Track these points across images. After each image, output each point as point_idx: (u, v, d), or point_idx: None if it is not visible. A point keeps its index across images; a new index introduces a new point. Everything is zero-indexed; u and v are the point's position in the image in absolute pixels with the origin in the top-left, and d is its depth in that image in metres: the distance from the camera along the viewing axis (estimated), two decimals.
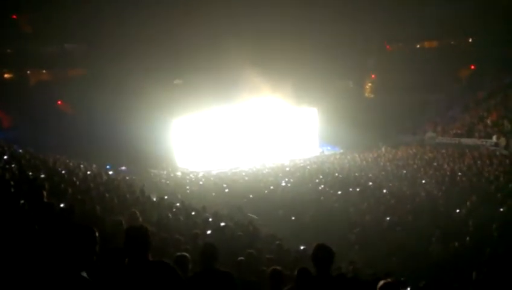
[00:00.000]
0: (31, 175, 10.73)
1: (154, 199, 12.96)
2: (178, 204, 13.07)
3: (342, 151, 34.99)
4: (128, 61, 35.66)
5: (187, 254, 4.78)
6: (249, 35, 38.18)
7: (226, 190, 20.12)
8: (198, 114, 33.61)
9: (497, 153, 25.01)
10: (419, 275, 8.79)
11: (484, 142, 28.10)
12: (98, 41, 39.19)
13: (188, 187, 22.01)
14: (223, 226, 9.78)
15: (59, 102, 39.28)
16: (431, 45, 48.04)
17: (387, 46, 49.39)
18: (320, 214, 14.63)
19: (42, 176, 11.37)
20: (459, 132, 31.28)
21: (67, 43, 45.42)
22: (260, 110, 36.04)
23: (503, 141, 27.04)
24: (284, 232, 11.99)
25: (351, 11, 41.76)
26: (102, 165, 24.87)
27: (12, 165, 12.00)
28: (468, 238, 10.32)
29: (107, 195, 11.13)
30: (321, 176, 21.64)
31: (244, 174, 25.40)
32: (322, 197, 17.13)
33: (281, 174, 23.59)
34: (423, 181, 18.47)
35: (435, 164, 22.76)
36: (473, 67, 40.97)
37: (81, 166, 19.54)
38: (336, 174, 22.13)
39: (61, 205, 7.15)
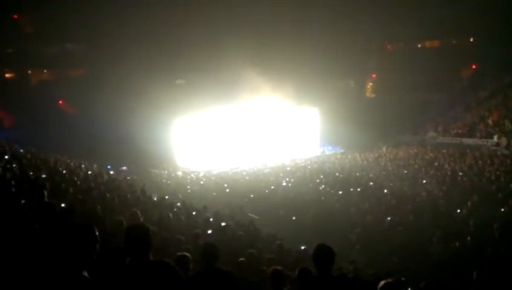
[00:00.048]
0: (32, 175, 10.74)
1: (155, 199, 12.96)
2: (179, 204, 13.07)
3: (342, 151, 34.97)
4: (130, 61, 35.66)
5: (188, 254, 4.78)
6: (250, 35, 38.16)
7: (227, 190, 20.13)
8: (199, 114, 33.62)
9: (498, 153, 25.00)
10: (420, 275, 8.80)
11: (485, 142, 28.08)
12: (99, 41, 39.18)
13: (189, 187, 22.02)
14: (224, 226, 9.78)
15: (60, 102, 39.32)
16: (432, 44, 48.00)
17: (388, 46, 49.35)
18: (321, 214, 14.63)
19: (43, 175, 11.37)
20: (460, 131, 31.27)
21: (69, 43, 45.43)
22: (261, 110, 36.04)
23: (504, 141, 27.01)
24: (285, 232, 11.98)
25: (352, 11, 41.72)
26: (103, 165, 24.87)
27: (14, 165, 12.00)
28: (469, 238, 10.31)
29: (108, 195, 11.13)
30: (322, 176, 21.65)
31: (245, 174, 25.40)
32: (322, 197, 17.14)
33: (281, 174, 23.59)
34: (424, 181, 18.47)
35: (436, 163, 22.75)
36: (474, 67, 40.94)
37: (82, 166, 19.54)
38: (337, 174, 22.13)
39: (62, 205, 7.15)
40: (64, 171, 14.24)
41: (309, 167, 26.13)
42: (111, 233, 5.86)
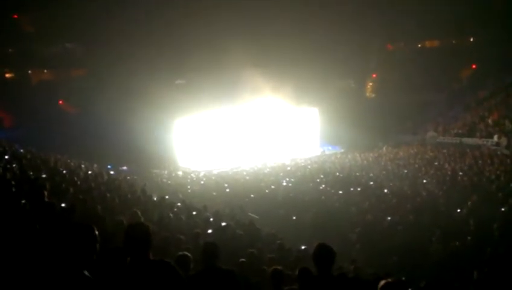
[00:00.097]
0: (32, 175, 10.74)
1: (156, 199, 12.96)
2: (179, 204, 13.06)
3: (342, 150, 34.99)
4: (130, 62, 35.72)
5: (189, 254, 4.79)
6: (250, 36, 38.18)
7: (227, 190, 20.12)
8: (200, 114, 33.66)
9: (498, 152, 24.98)
10: (420, 274, 8.81)
11: (485, 142, 28.07)
12: (100, 41, 39.22)
13: (189, 187, 22.04)
14: (224, 225, 9.78)
15: (60, 102, 39.36)
16: (432, 44, 48.05)
17: (388, 46, 49.38)
18: (321, 213, 14.62)
19: (43, 175, 11.37)
20: (460, 131, 31.27)
21: (69, 43, 45.52)
22: (261, 111, 36.09)
23: (504, 141, 26.99)
24: (285, 232, 11.97)
25: (352, 11, 41.72)
26: (104, 165, 24.90)
27: (14, 165, 12.00)
28: (469, 237, 10.32)
29: (108, 195, 11.13)
30: (322, 176, 21.66)
31: (245, 173, 25.41)
32: (323, 197, 17.14)
33: (282, 174, 23.60)
34: (424, 181, 18.47)
35: (436, 163, 22.75)
36: (474, 66, 40.97)
37: (82, 166, 19.55)
38: (337, 174, 22.14)
39: (63, 205, 7.16)
40: (64, 171, 14.24)
41: (309, 166, 26.14)
42: (111, 233, 5.86)
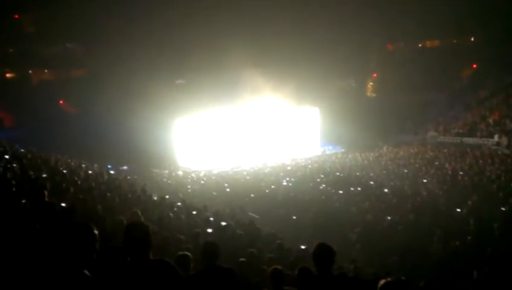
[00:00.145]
0: (33, 174, 10.74)
1: (156, 198, 12.97)
2: (179, 203, 13.07)
3: (343, 150, 35.01)
4: (131, 62, 35.72)
5: (189, 253, 4.80)
6: (251, 36, 38.18)
7: (228, 189, 20.13)
8: (200, 114, 33.68)
9: (499, 152, 24.99)
10: (420, 274, 8.80)
11: (486, 142, 28.09)
12: (100, 41, 39.22)
13: (189, 186, 22.04)
14: (224, 225, 9.79)
15: (61, 102, 39.37)
16: (432, 44, 48.06)
17: (389, 46, 49.37)
18: (321, 213, 14.61)
19: (44, 175, 11.36)
20: (461, 131, 31.28)
21: (69, 42, 45.52)
22: (262, 110, 36.09)
23: (505, 140, 27.01)
24: (285, 232, 11.98)
25: (352, 11, 41.72)
26: (105, 165, 24.91)
27: (14, 165, 12.00)
28: (469, 237, 10.31)
29: (108, 194, 11.14)
30: (322, 175, 21.65)
31: (245, 173, 25.42)
32: (323, 197, 17.14)
33: (282, 174, 23.59)
34: (424, 180, 18.46)
35: (436, 163, 22.75)
36: (474, 66, 40.97)
37: (83, 165, 19.55)
38: (337, 174, 22.13)
39: (63, 205, 7.16)
40: (64, 171, 14.23)
41: (309, 166, 26.13)
42: (111, 232, 5.87)
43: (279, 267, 5.25)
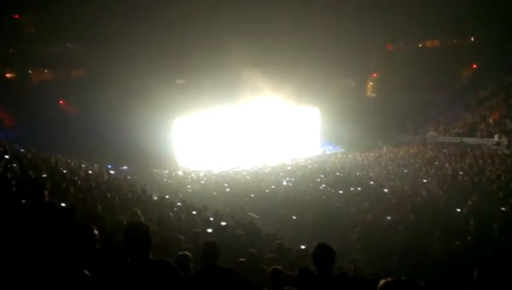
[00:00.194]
0: (33, 174, 10.74)
1: (156, 198, 12.97)
2: (179, 203, 13.08)
3: (343, 150, 35.02)
4: (131, 62, 35.72)
5: (189, 253, 4.79)
6: (250, 36, 38.19)
7: (228, 189, 20.13)
8: (200, 114, 33.68)
9: (499, 152, 25.00)
10: (420, 274, 8.80)
11: (486, 142, 28.09)
12: (100, 41, 39.23)
13: (189, 186, 22.02)
14: (224, 225, 9.79)
15: (61, 102, 39.38)
16: (433, 44, 48.08)
17: (389, 46, 49.38)
18: (321, 213, 14.62)
19: (44, 175, 11.36)
20: (461, 131, 31.29)
21: (69, 42, 45.53)
22: (262, 110, 36.09)
23: (505, 140, 27.02)
24: (285, 232, 11.99)
25: (352, 11, 41.73)
26: (104, 165, 24.92)
27: (14, 165, 12.00)
28: (469, 237, 10.31)
29: (108, 194, 11.15)
30: (322, 175, 21.66)
31: (245, 173, 25.41)
32: (323, 197, 17.15)
33: (282, 174, 23.59)
34: (424, 180, 18.46)
35: (436, 163, 22.76)
36: (474, 66, 40.98)
37: (83, 165, 19.55)
38: (337, 174, 22.13)
39: (63, 205, 7.16)
40: (64, 171, 14.23)
41: (309, 166, 26.13)
42: (111, 232, 5.87)
43: (279, 267, 5.24)
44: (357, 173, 21.84)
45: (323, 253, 3.93)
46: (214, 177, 24.53)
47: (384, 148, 30.90)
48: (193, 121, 33.94)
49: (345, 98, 40.53)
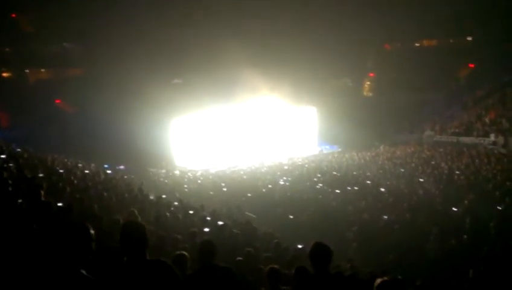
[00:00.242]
0: (29, 174, 10.72)
1: (153, 198, 12.97)
2: (176, 203, 13.06)
3: (340, 149, 35.08)
4: (128, 61, 35.67)
5: (186, 253, 4.79)
6: (248, 35, 38.19)
7: (224, 189, 20.13)
8: (197, 114, 33.68)
9: (495, 151, 25.05)
10: (416, 272, 8.82)
11: (482, 141, 28.15)
12: (97, 41, 39.18)
13: (186, 186, 22.03)
14: (221, 224, 9.79)
15: (58, 101, 39.27)
16: (429, 43, 48.17)
17: (386, 45, 49.43)
18: (318, 212, 14.66)
19: (40, 175, 11.34)
20: (457, 130, 31.36)
21: (67, 42, 45.41)
22: (259, 110, 36.10)
23: (501, 140, 27.09)
24: (282, 231, 12.00)
25: (350, 10, 41.76)
26: (101, 164, 24.88)
27: (11, 164, 11.97)
28: (465, 236, 10.34)
29: (105, 194, 11.13)
30: (319, 175, 21.68)
31: (242, 172, 25.43)
32: (320, 196, 17.17)
33: (279, 173, 23.61)
34: (421, 179, 18.48)
35: (432, 162, 22.79)
36: (471, 66, 41.05)
37: (79, 165, 19.53)
38: (334, 173, 22.15)
39: (59, 204, 7.15)
40: (61, 171, 14.20)
41: (306, 165, 26.16)
42: (108, 232, 5.87)
43: (276, 266, 5.25)
44: (354, 172, 21.87)
45: (320, 252, 3.93)
46: (210, 177, 24.55)
47: (381, 147, 30.96)
48: (190, 120, 33.93)
49: (342, 97, 40.57)
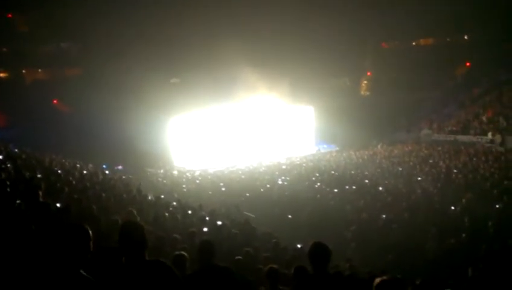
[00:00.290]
0: (27, 175, 10.69)
1: (151, 198, 12.95)
2: (175, 203, 13.06)
3: (338, 149, 35.09)
4: (125, 61, 35.55)
5: (185, 253, 4.79)
6: (246, 34, 38.15)
7: (223, 189, 20.12)
8: (195, 113, 33.65)
9: (493, 149, 25.13)
10: (415, 272, 8.83)
11: (480, 139, 28.22)
12: (95, 40, 39.04)
13: (184, 186, 22.00)
14: (220, 224, 9.79)
15: (55, 101, 39.17)
16: (426, 42, 48.23)
17: (383, 44, 49.46)
18: (316, 212, 14.65)
19: (38, 175, 11.32)
20: (454, 129, 31.42)
21: (64, 42, 45.30)
22: (257, 109, 36.10)
23: (498, 138, 27.16)
24: (281, 231, 11.98)
25: (347, 9, 41.76)
26: (99, 164, 24.83)
27: (8, 165, 11.93)
28: (464, 235, 10.36)
29: (103, 194, 11.11)
30: (317, 174, 21.69)
31: (240, 172, 25.40)
32: (318, 195, 17.18)
33: (277, 173, 23.60)
34: (419, 178, 18.53)
35: (430, 161, 22.85)
36: (468, 64, 41.12)
37: (77, 165, 19.48)
38: (332, 172, 22.18)
39: (58, 205, 7.13)
40: (59, 171, 14.17)
41: (304, 165, 26.17)
42: (107, 233, 5.86)
43: (275, 266, 5.25)
44: (352, 172, 21.90)
45: (319, 252, 3.93)
46: (209, 177, 24.52)
47: (379, 146, 31.01)
48: (188, 119, 33.91)
49: (339, 96, 40.58)
